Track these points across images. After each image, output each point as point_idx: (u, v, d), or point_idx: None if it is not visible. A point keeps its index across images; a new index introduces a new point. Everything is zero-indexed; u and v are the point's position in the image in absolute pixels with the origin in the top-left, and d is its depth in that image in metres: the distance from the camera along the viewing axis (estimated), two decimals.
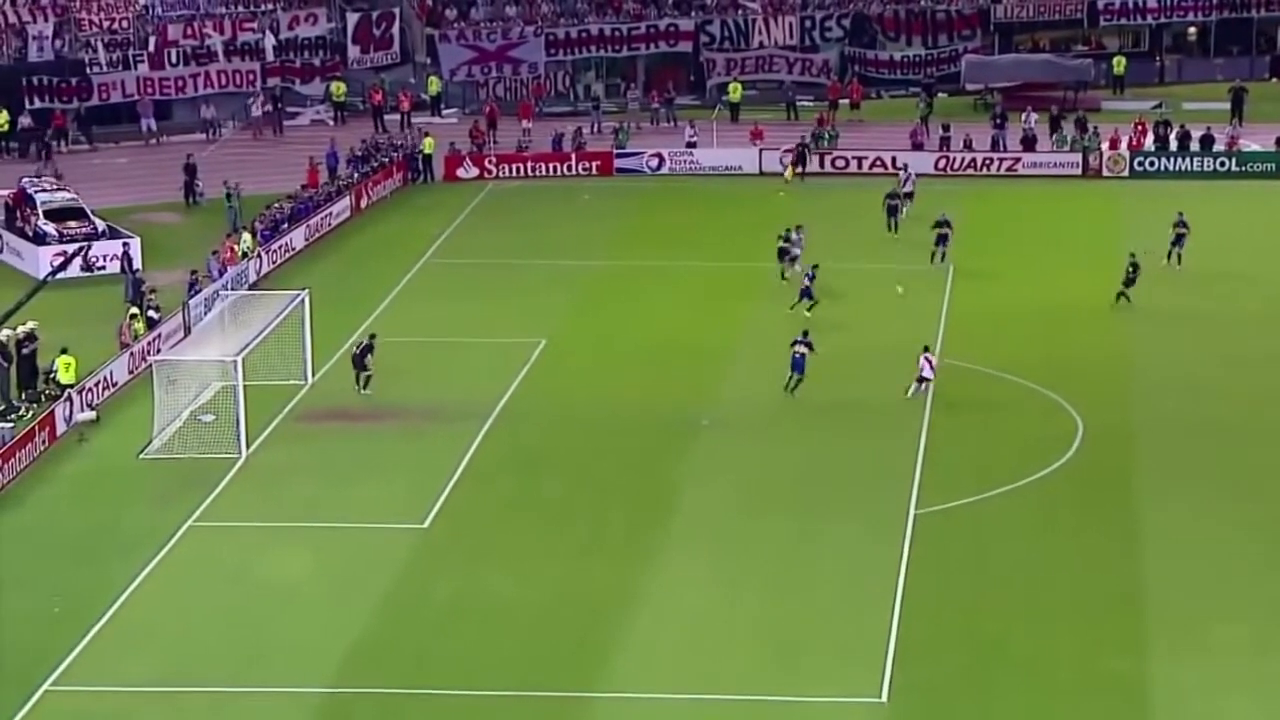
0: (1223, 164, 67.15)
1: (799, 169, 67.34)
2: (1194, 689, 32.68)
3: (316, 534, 39.53)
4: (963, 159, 68.08)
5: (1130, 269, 51.80)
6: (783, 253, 54.61)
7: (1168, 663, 33.44)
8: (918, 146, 68.98)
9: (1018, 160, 68.07)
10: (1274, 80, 79.42)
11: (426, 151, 68.93)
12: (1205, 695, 32.48)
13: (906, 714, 32.20)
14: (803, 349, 45.79)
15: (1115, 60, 79.03)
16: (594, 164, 69.40)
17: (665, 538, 38.96)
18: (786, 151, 67.88)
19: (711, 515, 40.03)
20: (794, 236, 54.90)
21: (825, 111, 73.77)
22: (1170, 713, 31.97)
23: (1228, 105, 72.43)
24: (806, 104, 75.79)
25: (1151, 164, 67.48)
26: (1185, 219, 55.04)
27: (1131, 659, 33.59)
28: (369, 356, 46.57)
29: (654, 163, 69.37)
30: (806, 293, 51.18)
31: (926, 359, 45.45)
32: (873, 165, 67.92)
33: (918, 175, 63.73)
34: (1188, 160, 67.44)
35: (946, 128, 69.94)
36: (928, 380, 45.21)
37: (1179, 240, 54.60)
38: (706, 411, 45.42)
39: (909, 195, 60.95)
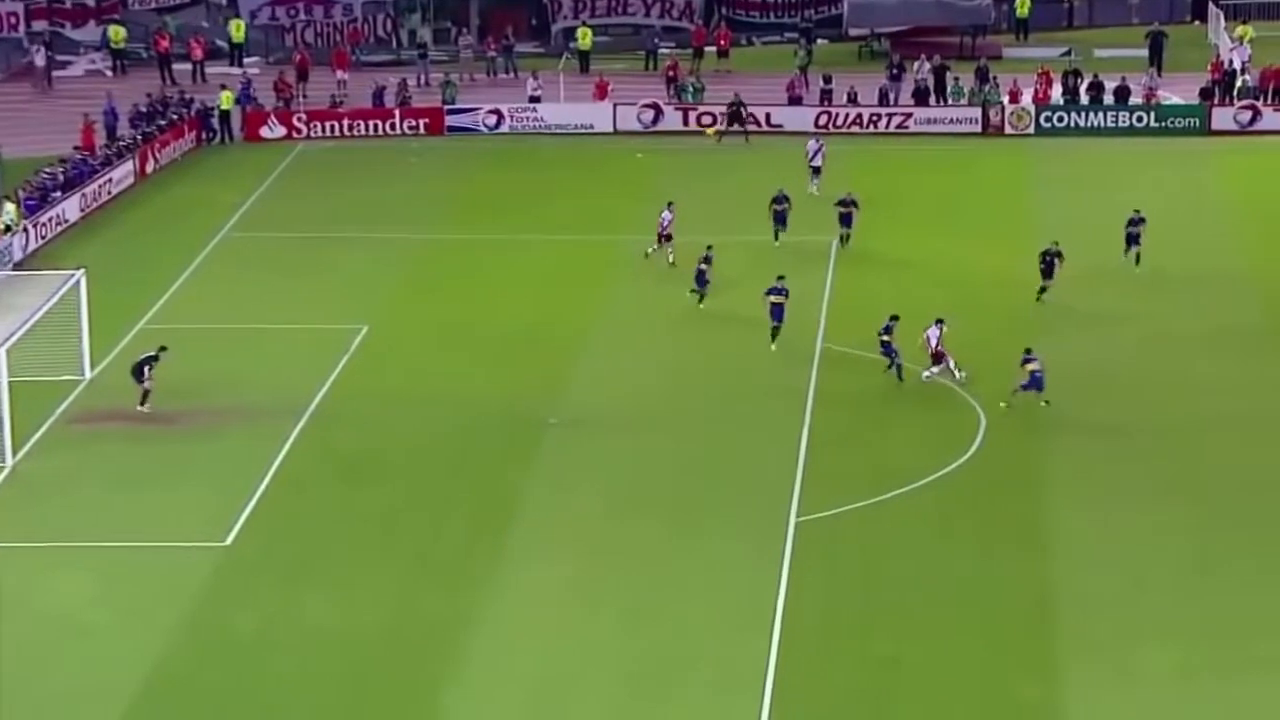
0: (1140, 119, 68.51)
1: (732, 127, 67.34)
2: (1108, 715, 33.19)
3: (100, 555, 39.19)
4: (847, 115, 68.85)
5: (1045, 259, 51.51)
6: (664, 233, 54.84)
7: (1083, 689, 33.96)
8: (795, 100, 69.72)
9: (909, 116, 68.97)
10: (1196, 23, 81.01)
11: (224, 107, 68.55)
12: None
13: None
14: (779, 297, 47.85)
15: (1018, 1, 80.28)
16: (421, 122, 69.39)
17: (508, 553, 39.05)
18: (648, 104, 68.16)
19: (562, 526, 40.18)
20: (665, 215, 54.81)
21: (693, 63, 74.26)
22: None
23: (1145, 52, 73.89)
24: (667, 50, 76.19)
25: (1060, 119, 68.69)
26: (1142, 214, 54.07)
27: (1042, 685, 34.09)
28: (149, 368, 45.55)
29: (491, 120, 69.45)
30: (699, 278, 51.17)
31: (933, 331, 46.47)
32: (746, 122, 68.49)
33: (788, 130, 64.41)
34: (1100, 115, 68.72)
35: (828, 79, 70.67)
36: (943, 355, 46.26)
37: (1135, 238, 53.73)
38: (555, 408, 45.59)
39: (817, 170, 60.93)
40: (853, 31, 79.03)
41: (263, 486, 41.90)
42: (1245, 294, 52.64)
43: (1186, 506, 40.52)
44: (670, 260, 54.10)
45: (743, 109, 67.95)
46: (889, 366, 46.49)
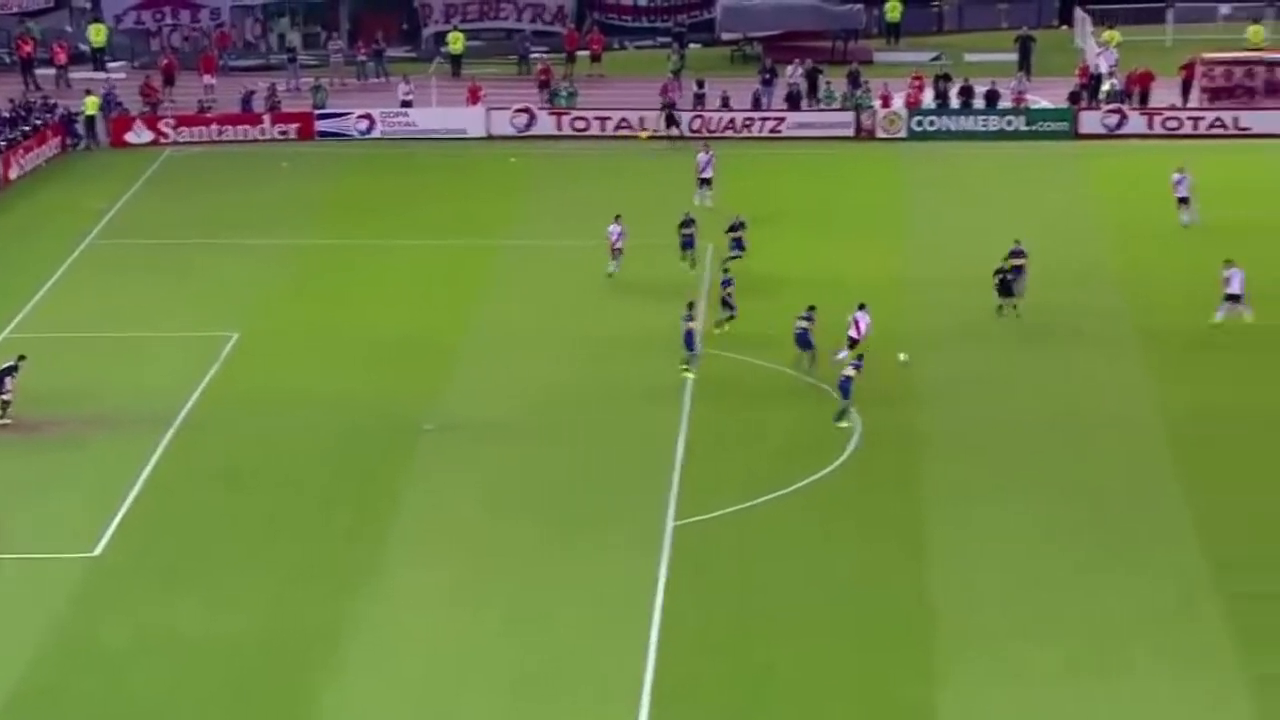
0: (1010, 123, 69.06)
1: (668, 130, 67.30)
2: (986, 718, 33.32)
3: None
4: (720, 119, 68.95)
5: (1004, 274, 50.59)
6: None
7: (964, 688, 34.10)
8: (669, 105, 69.64)
9: (781, 120, 69.19)
10: (1064, 27, 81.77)
11: (89, 112, 67.85)
12: None
13: None
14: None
15: (889, 5, 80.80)
16: (292, 127, 68.99)
17: (387, 558, 38.81)
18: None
19: (441, 531, 39.98)
20: (613, 229, 53.95)
21: (566, 68, 74.16)
22: None
23: (1014, 56, 74.51)
24: (540, 55, 76.08)
25: (931, 123, 69.14)
26: (1024, 248, 52.02)
27: (922, 685, 34.19)
28: (9, 379, 44.75)
29: (363, 125, 69.13)
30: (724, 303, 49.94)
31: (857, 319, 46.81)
32: (618, 126, 68.51)
33: (663, 133, 64.33)
34: (971, 119, 69.25)
35: (700, 84, 70.75)
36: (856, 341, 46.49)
37: (1015, 273, 51.10)
38: (431, 414, 45.32)
39: (707, 181, 60.16)
40: (725, 36, 79.18)
41: (132, 495, 41.45)
42: (1115, 294, 53.08)
43: (1065, 505, 40.77)
44: (610, 272, 53.63)
45: (674, 112, 67.98)
46: (799, 360, 46.56)
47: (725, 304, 49.86)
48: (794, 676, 34.35)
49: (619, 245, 53.73)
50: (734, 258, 53.80)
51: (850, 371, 44.46)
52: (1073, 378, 47.46)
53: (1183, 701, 33.54)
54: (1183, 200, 57.61)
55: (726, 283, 50.52)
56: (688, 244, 53.84)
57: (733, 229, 54.71)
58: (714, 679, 34.43)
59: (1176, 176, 57.94)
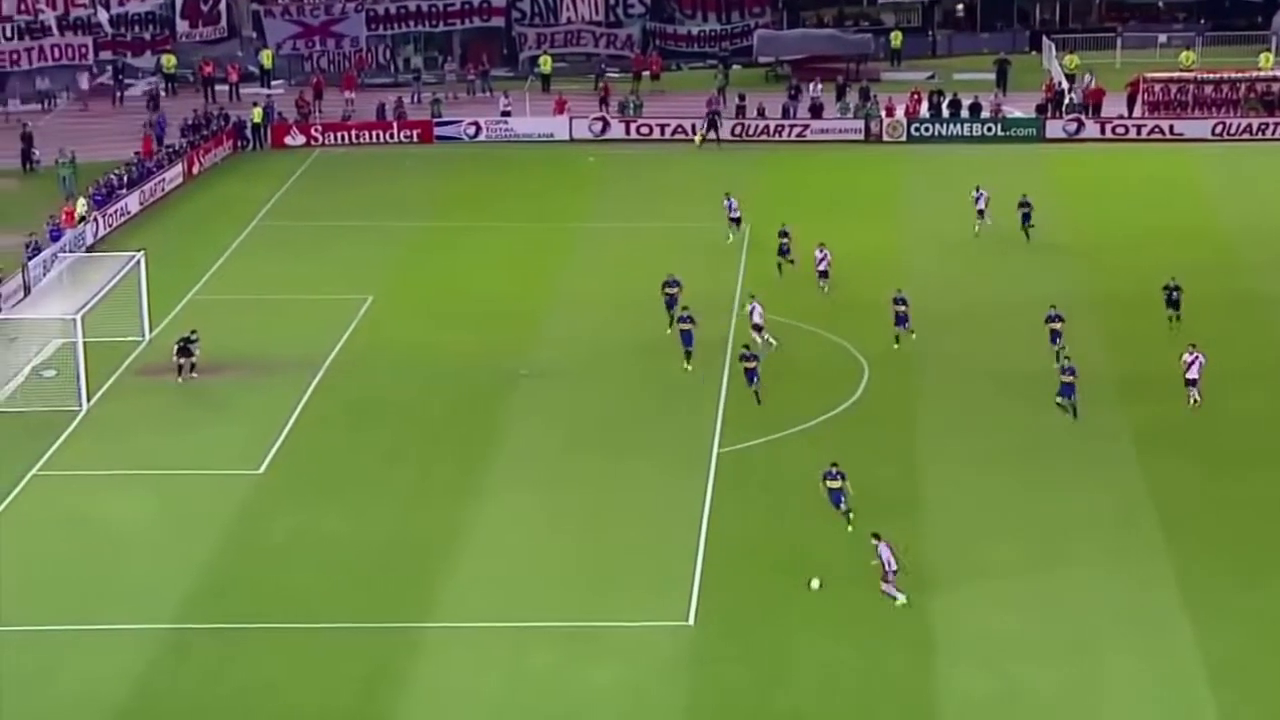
0: (989, 129, 68.47)
1: (708, 134, 66.78)
2: (967, 608, 33.31)
3: (157, 481, 38.87)
4: (756, 126, 68.61)
5: (1170, 292, 46.62)
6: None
7: (944, 585, 34.09)
8: (713, 114, 69.31)
9: (806, 127, 68.80)
10: (1033, 53, 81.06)
11: (255, 121, 67.87)
12: (978, 614, 33.11)
13: (711, 636, 32.53)
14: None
15: (893, 35, 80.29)
16: (415, 132, 68.84)
17: (489, 479, 38.89)
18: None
19: (531, 457, 40.03)
20: (732, 203, 53.68)
21: (633, 84, 73.86)
22: (947, 631, 32.53)
23: (993, 75, 73.93)
24: (613, 75, 75.82)
25: (926, 129, 68.61)
26: (1028, 199, 52.72)
27: (910, 580, 34.18)
28: (193, 347, 43.94)
29: (471, 130, 68.97)
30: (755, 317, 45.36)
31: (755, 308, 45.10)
32: (674, 131, 68.28)
33: (717, 141, 63.89)
34: (958, 125, 68.65)
35: (742, 97, 70.40)
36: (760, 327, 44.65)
37: (1027, 217, 51.06)
38: (524, 362, 45.35)
39: (737, 221, 54.14)
40: (761, 59, 78.66)
41: (288, 426, 41.61)
42: (1073, 266, 52.67)
43: (1029, 435, 40.58)
44: (729, 239, 53.31)
45: (717, 118, 67.62)
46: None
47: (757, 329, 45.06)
48: (814, 573, 34.35)
49: (737, 215, 53.45)
50: (786, 260, 50.78)
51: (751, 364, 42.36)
52: (1031, 335, 46.90)
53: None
54: (980, 212, 54.66)
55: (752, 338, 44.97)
56: (670, 303, 46.16)
57: (781, 235, 51.51)
58: (751, 573, 34.47)
59: (975, 194, 55.15)
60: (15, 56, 72.66)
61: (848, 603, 33.51)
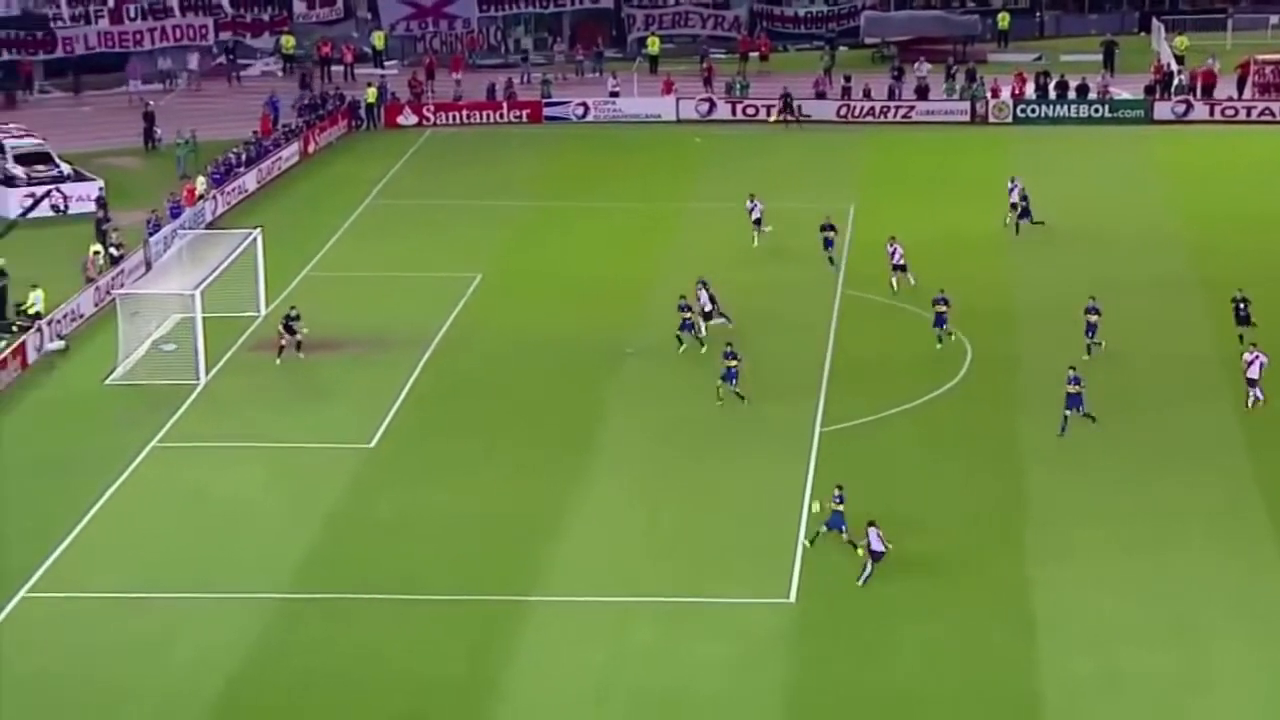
0: (1096, 110, 67.48)
1: (785, 116, 66.54)
2: (1069, 588, 32.97)
3: (270, 453, 39.26)
4: (862, 107, 68.07)
5: (1239, 305, 44.05)
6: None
7: (1047, 566, 33.73)
8: (821, 95, 68.87)
9: (912, 108, 68.15)
10: (1142, 34, 79.77)
11: (369, 101, 68.26)
12: (1079, 593, 32.78)
13: (811, 612, 32.39)
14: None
15: (1000, 16, 79.25)
16: (524, 112, 68.94)
17: (594, 455, 38.92)
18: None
19: (635, 434, 40.01)
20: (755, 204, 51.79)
21: (739, 65, 73.38)
22: (1049, 612, 32.19)
23: (1100, 57, 72.81)
24: (719, 56, 75.50)
25: (1032, 110, 67.74)
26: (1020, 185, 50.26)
27: (1015, 560, 33.88)
28: (296, 325, 43.82)
29: (579, 111, 68.97)
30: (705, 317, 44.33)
31: None
32: (779, 113, 67.78)
33: (815, 119, 63.17)
34: (1064, 107, 67.72)
35: (848, 78, 69.83)
36: None
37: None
38: (631, 340, 45.31)
39: (758, 222, 51.99)
40: (868, 40, 78.04)
41: (399, 401, 41.86)
42: (1176, 248, 51.83)
43: (1130, 423, 39.96)
44: (755, 242, 51.38)
45: (791, 100, 67.25)
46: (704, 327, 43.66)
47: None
48: (916, 551, 33.98)
49: (758, 217, 51.26)
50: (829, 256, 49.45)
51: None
52: (1135, 317, 46.14)
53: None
54: (1013, 206, 52.91)
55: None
56: (686, 327, 44.30)
57: (825, 229, 50.09)
58: (850, 553, 34.07)
59: (1010, 185, 53.64)
60: (139, 36, 73.62)
61: (950, 582, 33.24)
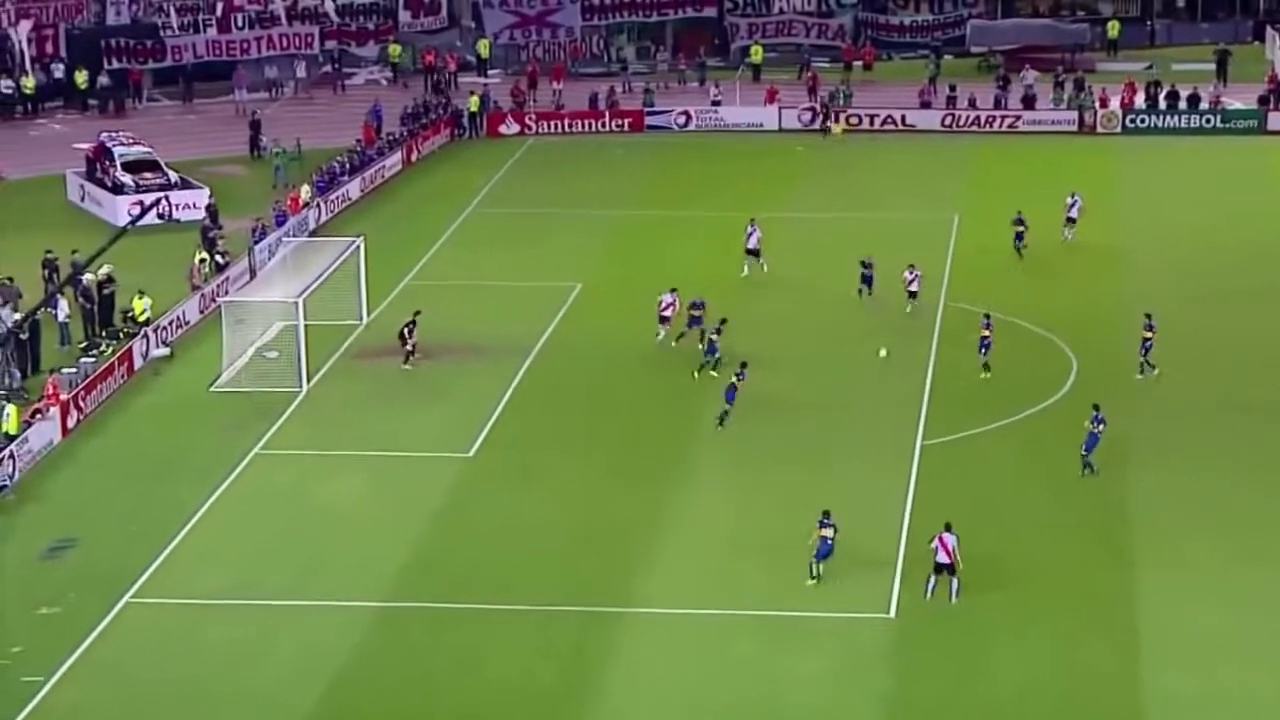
0: (1208, 121, 66.64)
1: (826, 124, 66.56)
2: (1173, 601, 32.68)
3: (371, 461, 39.65)
4: (967, 117, 67.67)
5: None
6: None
7: (1149, 579, 33.36)
8: (925, 105, 68.57)
9: (1018, 118, 67.66)
10: (1256, 43, 78.64)
11: (471, 109, 68.78)
12: (1183, 606, 32.49)
13: (912, 629, 32.25)
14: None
15: (1109, 24, 78.53)
16: (626, 121, 69.18)
17: (691, 465, 38.98)
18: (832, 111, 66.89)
19: (733, 445, 40.00)
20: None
21: (843, 74, 73.10)
22: (1153, 622, 31.95)
23: (1213, 66, 71.89)
24: (823, 65, 75.35)
25: (1142, 121, 67.01)
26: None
27: (1117, 572, 33.56)
28: (410, 331, 44.30)
29: (681, 120, 69.10)
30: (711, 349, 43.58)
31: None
32: (884, 123, 67.62)
33: (919, 129, 62.81)
34: (1176, 117, 66.95)
35: (953, 87, 69.47)
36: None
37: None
38: (728, 350, 45.11)
39: (753, 253, 50.49)
40: (974, 49, 77.57)
41: (499, 409, 42.12)
42: None
43: (1239, 434, 39.45)
44: (745, 271, 50.18)
45: (831, 108, 66.77)
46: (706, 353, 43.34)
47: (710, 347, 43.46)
48: (1016, 565, 33.93)
49: (753, 247, 49.58)
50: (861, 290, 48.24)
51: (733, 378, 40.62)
52: (1244, 325, 45.48)
53: None
54: (1070, 220, 52.34)
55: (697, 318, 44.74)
56: (694, 323, 44.90)
57: (864, 265, 48.17)
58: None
59: (1070, 199, 52.87)
60: (245, 46, 74.66)
61: (1051, 597, 32.97)
